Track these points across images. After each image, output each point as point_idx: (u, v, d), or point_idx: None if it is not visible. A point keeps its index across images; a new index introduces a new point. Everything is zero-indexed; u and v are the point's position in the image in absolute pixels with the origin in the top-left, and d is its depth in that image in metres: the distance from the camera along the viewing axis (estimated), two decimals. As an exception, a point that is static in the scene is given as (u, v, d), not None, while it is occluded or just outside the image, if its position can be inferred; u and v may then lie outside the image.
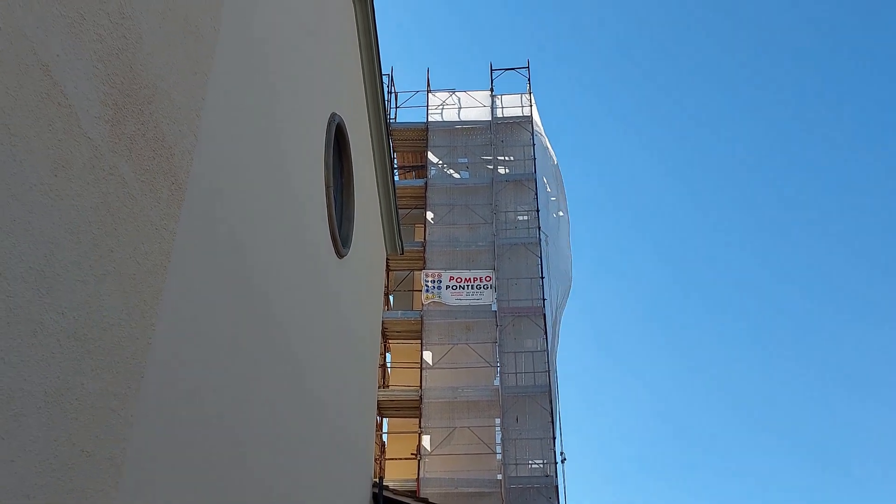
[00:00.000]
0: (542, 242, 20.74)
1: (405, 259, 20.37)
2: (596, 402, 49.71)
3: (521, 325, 19.71)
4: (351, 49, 10.04)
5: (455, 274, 20.24)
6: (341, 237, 8.69)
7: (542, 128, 22.99)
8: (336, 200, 8.76)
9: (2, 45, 2.76)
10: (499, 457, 18.27)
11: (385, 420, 20.60)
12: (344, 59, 9.55)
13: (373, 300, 11.09)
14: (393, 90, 23.85)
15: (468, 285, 20.15)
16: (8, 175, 2.79)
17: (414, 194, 21.93)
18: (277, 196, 6.31)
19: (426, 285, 20.24)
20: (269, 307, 5.99)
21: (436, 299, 20.05)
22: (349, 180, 9.46)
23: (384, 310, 18.99)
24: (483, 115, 23.21)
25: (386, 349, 21.51)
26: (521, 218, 21.45)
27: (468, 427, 18.49)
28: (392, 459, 19.60)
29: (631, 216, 51.55)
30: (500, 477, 17.87)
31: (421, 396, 18.92)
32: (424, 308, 20.08)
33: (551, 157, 23.18)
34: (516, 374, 19.04)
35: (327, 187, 8.05)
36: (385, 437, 20.56)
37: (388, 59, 41.48)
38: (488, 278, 20.16)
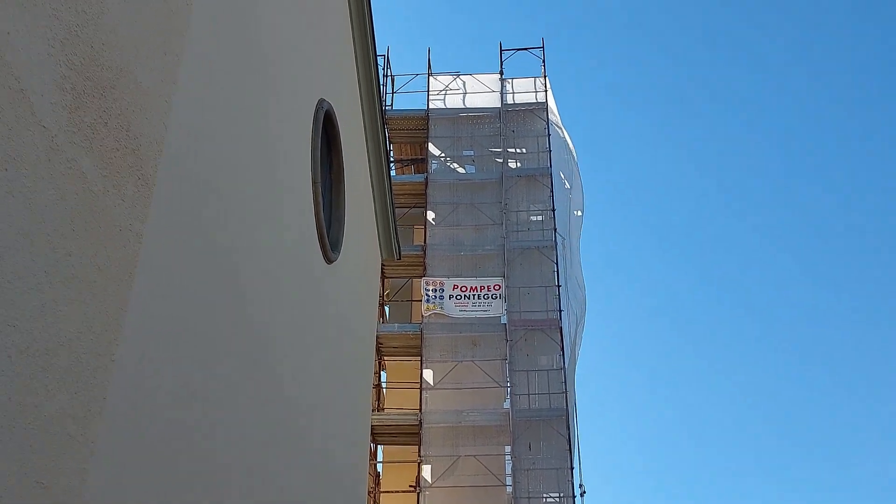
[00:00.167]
0: (559, 246, 20.71)
1: (403, 265, 20.40)
2: (619, 426, 49.70)
3: (534, 339, 19.70)
4: (342, 27, 10.06)
5: (459, 282, 20.24)
6: (330, 240, 8.70)
7: (558, 116, 22.97)
8: (324, 198, 8.76)
9: (-54, 21, 2.76)
10: (509, 489, 18.26)
11: (380, 448, 20.60)
12: (333, 38, 9.57)
13: (366, 312, 11.09)
14: (389, 73, 23.92)
15: (474, 295, 20.14)
16: (-48, 169, 2.79)
17: (413, 191, 21.95)
18: (258, 194, 6.32)
19: (427, 295, 20.23)
20: (249, 319, 5.99)
21: (437, 310, 20.05)
22: (339, 175, 9.47)
23: (379, 323, 18.98)
24: (491, 101, 23.21)
25: (381, 367, 21.52)
26: (534, 218, 21.45)
27: (474, 456, 18.48)
28: (388, 492, 19.59)
29: (642, 213, 51.76)
30: (510, 512, 17.88)
31: (421, 421, 18.92)
32: (424, 320, 20.08)
33: (569, 148, 23.15)
34: (529, 395, 19.03)
35: (314, 183, 8.06)
36: (380, 467, 20.55)
37: (384, 39, 41.57)
38: (497, 287, 20.14)
